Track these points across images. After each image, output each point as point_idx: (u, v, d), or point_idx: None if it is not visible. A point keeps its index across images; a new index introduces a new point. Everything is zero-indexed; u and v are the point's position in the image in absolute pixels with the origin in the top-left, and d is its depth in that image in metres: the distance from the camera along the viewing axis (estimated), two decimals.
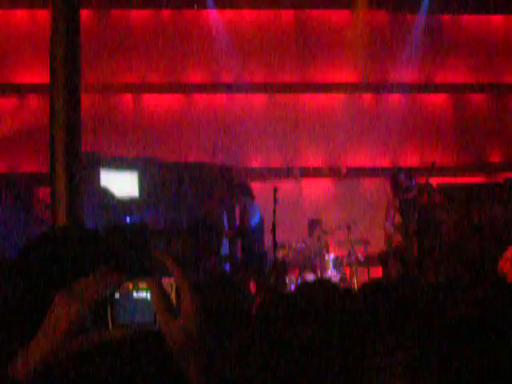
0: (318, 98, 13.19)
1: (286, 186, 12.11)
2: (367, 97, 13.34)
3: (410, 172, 9.92)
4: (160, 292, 1.42)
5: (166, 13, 12.92)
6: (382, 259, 10.41)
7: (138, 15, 12.84)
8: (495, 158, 13.42)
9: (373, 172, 13.04)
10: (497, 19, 13.72)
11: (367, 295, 3.37)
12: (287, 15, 13.24)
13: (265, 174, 12.56)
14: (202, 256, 9.23)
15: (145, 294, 1.44)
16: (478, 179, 12.80)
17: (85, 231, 1.89)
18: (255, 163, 12.71)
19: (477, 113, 13.49)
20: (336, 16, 13.32)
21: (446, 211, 9.88)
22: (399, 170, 10.08)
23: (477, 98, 13.59)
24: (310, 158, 12.95)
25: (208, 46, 12.80)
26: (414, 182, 9.80)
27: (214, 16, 12.85)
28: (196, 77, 12.85)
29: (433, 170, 9.94)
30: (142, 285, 1.45)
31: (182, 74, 12.82)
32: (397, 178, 9.82)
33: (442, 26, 13.59)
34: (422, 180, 9.97)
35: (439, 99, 13.53)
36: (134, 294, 1.45)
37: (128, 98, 12.75)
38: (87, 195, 9.38)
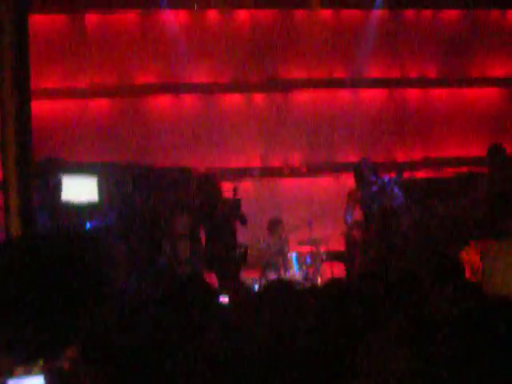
0: (281, 96, 13.18)
1: (246, 186, 12.10)
2: (332, 93, 13.37)
3: (374, 166, 9.93)
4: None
5: (119, 16, 12.81)
6: (341, 257, 10.45)
7: (91, 18, 12.71)
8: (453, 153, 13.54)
9: (334, 168, 13.07)
10: (455, 14, 13.86)
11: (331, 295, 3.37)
12: (244, 15, 13.22)
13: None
14: (150, 257, 9.18)
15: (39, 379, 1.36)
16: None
17: (39, 240, 1.85)
18: (215, 163, 12.65)
19: (441, 107, 13.62)
20: (296, 15, 13.34)
21: (406, 207, 9.94)
22: (364, 162, 10.07)
23: (441, 92, 13.71)
24: (271, 157, 12.94)
25: (163, 48, 12.72)
26: (373, 178, 9.82)
27: (168, 17, 12.77)
28: (150, 78, 12.77)
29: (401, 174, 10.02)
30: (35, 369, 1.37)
31: (136, 76, 12.73)
32: (361, 169, 9.82)
33: (405, 20, 13.66)
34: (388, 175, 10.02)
35: (402, 94, 13.64)
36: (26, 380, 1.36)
37: (83, 102, 12.61)
38: (47, 201, 9.29)
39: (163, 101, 12.86)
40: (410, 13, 13.72)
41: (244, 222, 9.44)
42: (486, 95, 13.85)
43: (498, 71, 13.88)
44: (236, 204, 9.32)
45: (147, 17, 12.87)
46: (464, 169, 12.60)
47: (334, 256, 10.93)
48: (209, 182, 10.04)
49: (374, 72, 13.45)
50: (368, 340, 1.71)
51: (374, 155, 11.99)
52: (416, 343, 1.61)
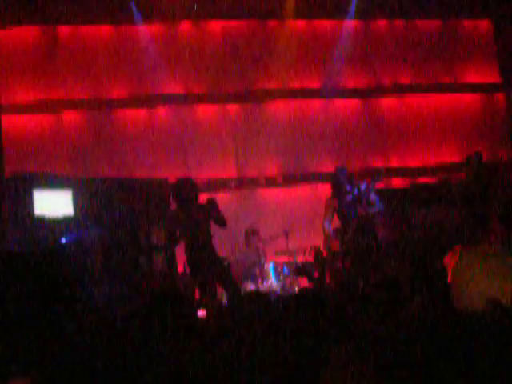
0: (255, 106, 13.18)
1: (222, 197, 12.08)
2: (307, 103, 13.40)
3: (351, 175, 9.92)
4: None
5: (92, 28, 12.77)
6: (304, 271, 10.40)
7: (64, 30, 12.65)
8: (430, 162, 13.60)
9: (309, 178, 13.08)
10: (425, 24, 13.97)
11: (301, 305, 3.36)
12: (216, 26, 13.23)
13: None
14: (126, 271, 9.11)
15: None
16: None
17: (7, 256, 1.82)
18: (190, 175, 12.59)
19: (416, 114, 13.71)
20: (269, 25, 13.37)
21: (383, 215, 9.95)
22: (341, 170, 10.05)
23: (414, 100, 13.80)
24: (246, 168, 12.92)
25: (136, 60, 12.69)
26: (348, 187, 9.80)
27: (141, 29, 12.75)
28: (123, 90, 12.72)
29: (378, 178, 10.01)
30: None
31: (108, 89, 12.67)
32: (338, 177, 9.80)
33: (376, 30, 13.75)
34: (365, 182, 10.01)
35: (377, 103, 13.70)
36: None
37: (56, 116, 12.54)
38: (20, 216, 9.20)
39: (137, 113, 12.81)
40: (382, 22, 13.82)
41: (222, 223, 9.01)
42: (459, 101, 13.96)
43: (471, 78, 14.00)
44: (210, 204, 9.00)
45: (120, 29, 12.83)
46: (440, 175, 12.67)
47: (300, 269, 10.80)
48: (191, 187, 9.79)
49: (348, 82, 13.51)
50: (332, 354, 1.70)
51: (350, 164, 12.01)
52: (378, 360, 1.60)
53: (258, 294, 3.96)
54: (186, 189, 9.05)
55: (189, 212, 8.90)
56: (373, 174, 10.48)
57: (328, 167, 12.62)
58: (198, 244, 8.91)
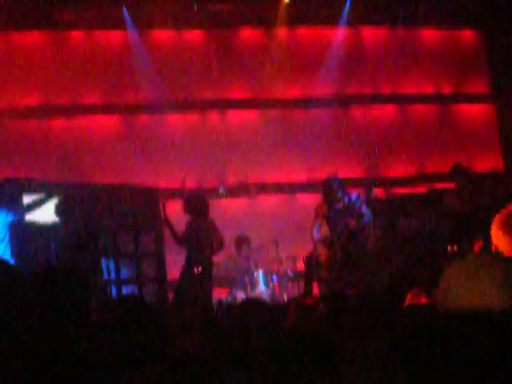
0: (241, 114, 13.18)
1: (212, 205, 12.07)
2: (292, 112, 13.41)
3: (342, 183, 9.89)
4: None
5: (77, 33, 12.76)
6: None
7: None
8: (412, 172, 13.63)
9: (299, 187, 13.09)
10: (411, 33, 14.03)
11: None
12: (202, 34, 13.25)
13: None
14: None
15: None
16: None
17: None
18: (177, 184, 12.58)
19: (397, 125, 13.74)
20: (254, 33, 13.38)
21: (372, 225, 9.93)
22: (332, 177, 10.03)
23: (390, 109, 13.84)
24: (235, 175, 12.90)
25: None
26: (340, 194, 9.77)
27: (121, 36, 12.80)
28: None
29: (370, 191, 10.00)
30: None
31: (88, 95, 12.67)
32: (330, 184, 9.77)
33: (361, 38, 13.78)
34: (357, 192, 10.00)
35: (354, 113, 13.71)
36: None
37: (37, 122, 12.52)
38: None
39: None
40: (372, 30, 13.85)
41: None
42: (443, 111, 14.03)
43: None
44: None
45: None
46: (426, 185, 12.68)
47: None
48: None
49: (325, 89, 13.46)
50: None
51: (326, 174, 12.06)
52: None
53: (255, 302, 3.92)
54: (201, 202, 9.70)
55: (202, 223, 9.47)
56: (367, 185, 10.48)
57: (303, 176, 12.78)
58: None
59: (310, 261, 9.41)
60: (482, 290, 2.37)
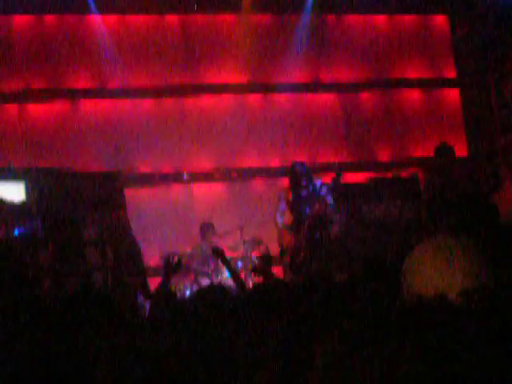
0: (206, 100, 13.11)
1: (176, 192, 12.01)
2: (255, 97, 13.36)
3: (309, 171, 9.87)
4: None
5: (49, 18, 12.58)
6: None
7: (19, 20, 12.45)
8: (384, 157, 13.66)
9: (263, 172, 13.05)
10: (381, 19, 14.02)
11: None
12: (172, 19, 13.13)
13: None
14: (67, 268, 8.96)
15: None
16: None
17: None
18: (144, 169, 12.50)
19: (365, 111, 13.73)
20: (221, 20, 13.30)
21: (337, 211, 9.92)
22: (298, 164, 10.01)
23: (364, 96, 13.81)
24: (200, 161, 12.83)
25: (93, 52, 12.54)
26: (304, 182, 9.76)
27: (97, 21, 12.60)
28: (81, 83, 12.56)
29: (338, 178, 9.94)
30: None
31: (67, 80, 12.50)
32: (295, 169, 9.76)
33: (326, 25, 13.75)
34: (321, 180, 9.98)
35: (327, 98, 13.68)
36: None
37: (12, 106, 12.34)
38: None
39: (95, 105, 12.66)
40: (331, 17, 13.84)
41: None
42: (406, 97, 14.06)
43: (415, 73, 14.07)
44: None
45: (80, 20, 12.68)
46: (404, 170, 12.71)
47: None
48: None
49: (295, 76, 13.43)
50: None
51: (304, 159, 12.02)
52: None
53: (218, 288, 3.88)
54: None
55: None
56: (335, 173, 10.45)
57: (274, 162, 12.76)
58: None
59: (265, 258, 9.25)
60: (445, 274, 2.35)
